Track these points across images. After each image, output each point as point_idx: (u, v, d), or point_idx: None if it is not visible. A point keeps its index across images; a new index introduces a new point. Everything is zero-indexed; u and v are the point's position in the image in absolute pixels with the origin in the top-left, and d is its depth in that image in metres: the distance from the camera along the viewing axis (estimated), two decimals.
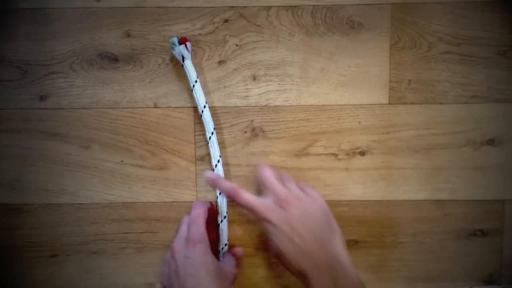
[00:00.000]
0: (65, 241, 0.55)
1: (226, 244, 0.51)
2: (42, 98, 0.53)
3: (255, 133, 0.54)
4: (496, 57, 0.52)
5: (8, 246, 0.55)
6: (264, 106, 0.53)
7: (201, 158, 0.54)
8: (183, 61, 0.51)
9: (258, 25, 0.52)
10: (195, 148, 0.54)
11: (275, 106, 0.53)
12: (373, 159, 0.53)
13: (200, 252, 0.46)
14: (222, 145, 0.53)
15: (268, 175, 0.48)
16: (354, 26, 0.52)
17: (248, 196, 0.46)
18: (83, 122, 0.54)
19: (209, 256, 0.46)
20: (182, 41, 0.51)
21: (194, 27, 0.53)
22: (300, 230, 0.44)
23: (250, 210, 0.45)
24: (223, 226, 0.51)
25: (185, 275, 0.45)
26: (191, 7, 0.52)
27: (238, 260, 0.52)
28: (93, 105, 0.54)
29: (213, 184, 0.50)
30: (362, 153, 0.53)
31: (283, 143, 0.54)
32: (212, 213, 0.51)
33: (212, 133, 0.51)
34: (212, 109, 0.53)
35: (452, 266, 0.54)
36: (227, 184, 0.48)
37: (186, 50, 0.51)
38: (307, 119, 0.53)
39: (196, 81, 0.51)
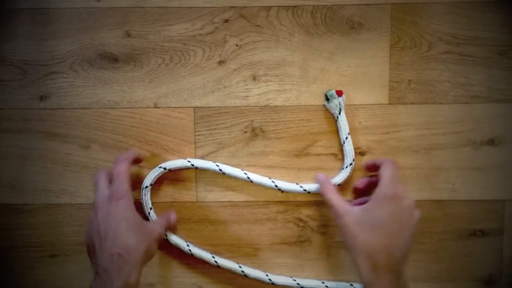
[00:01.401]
0: (65, 241, 0.55)
1: (151, 208, 0.53)
2: (42, 98, 0.53)
3: (255, 133, 0.54)
4: (496, 57, 0.52)
5: (8, 246, 0.55)
6: (264, 106, 0.53)
7: (201, 158, 0.54)
8: (339, 113, 0.51)
9: (258, 25, 0.52)
10: (195, 148, 0.54)
11: (275, 106, 0.53)
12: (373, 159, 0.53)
13: (123, 208, 0.46)
14: (222, 145, 0.54)
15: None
16: (354, 26, 0.52)
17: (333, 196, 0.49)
18: (83, 122, 0.54)
19: (132, 212, 0.46)
20: (339, 93, 0.51)
21: (194, 27, 0.53)
22: (400, 231, 0.45)
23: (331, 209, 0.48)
24: (145, 193, 0.52)
25: (106, 230, 0.45)
26: (191, 7, 0.52)
27: (170, 224, 0.52)
28: (93, 105, 0.54)
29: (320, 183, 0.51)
30: (362, 153, 0.53)
31: (283, 143, 0.54)
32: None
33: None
34: (212, 109, 0.53)
35: (452, 266, 0.54)
36: (324, 178, 0.51)
37: (343, 102, 0.51)
38: (307, 119, 0.53)
39: (348, 134, 0.52)
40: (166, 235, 0.53)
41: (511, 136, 0.53)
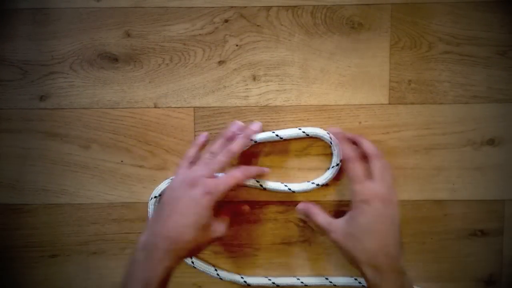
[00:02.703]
0: (65, 241, 0.55)
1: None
2: (42, 98, 0.53)
3: None
4: (496, 57, 0.52)
5: (8, 246, 0.55)
6: (264, 106, 0.53)
7: None
8: (251, 141, 0.51)
9: (258, 25, 0.52)
10: None
11: (275, 106, 0.53)
12: None
13: (205, 203, 0.45)
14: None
15: (356, 168, 0.47)
16: (354, 26, 0.52)
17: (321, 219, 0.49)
18: (83, 122, 0.54)
19: (208, 211, 0.45)
20: None
21: (194, 27, 0.53)
22: (388, 229, 0.45)
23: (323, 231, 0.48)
24: (153, 203, 0.53)
25: (176, 211, 0.45)
26: (191, 7, 0.52)
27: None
28: (93, 105, 0.54)
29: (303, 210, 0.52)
30: None
31: (283, 143, 0.53)
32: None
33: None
34: (212, 109, 0.53)
35: (452, 266, 0.54)
36: (305, 204, 0.52)
37: None
38: (307, 119, 0.53)
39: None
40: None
41: (511, 136, 0.53)
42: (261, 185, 0.52)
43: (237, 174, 0.48)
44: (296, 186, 0.52)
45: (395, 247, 0.45)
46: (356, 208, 0.46)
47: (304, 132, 0.52)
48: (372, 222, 0.45)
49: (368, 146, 0.49)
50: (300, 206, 0.52)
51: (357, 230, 0.45)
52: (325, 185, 0.53)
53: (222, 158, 0.48)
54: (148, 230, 0.46)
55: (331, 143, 0.52)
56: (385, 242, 0.45)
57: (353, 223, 0.46)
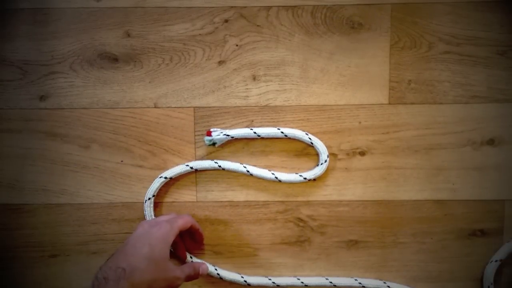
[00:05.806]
0: (65, 241, 0.55)
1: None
2: (42, 98, 0.53)
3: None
4: (496, 57, 0.52)
5: (8, 246, 0.55)
6: (264, 106, 0.53)
7: (201, 158, 0.54)
8: (228, 136, 0.52)
9: (258, 25, 0.52)
10: (195, 148, 0.54)
11: (275, 106, 0.53)
12: (373, 159, 0.53)
13: (159, 236, 0.46)
14: (221, 145, 0.53)
15: None
16: (354, 26, 0.52)
17: None
18: (83, 122, 0.54)
19: (162, 244, 0.46)
20: (208, 134, 0.52)
21: (194, 27, 0.53)
22: None
23: None
24: (148, 205, 0.53)
25: (131, 244, 0.45)
26: (191, 7, 0.52)
27: (195, 274, 0.49)
28: (93, 105, 0.54)
29: None
30: (362, 153, 0.53)
31: (283, 143, 0.54)
32: (195, 235, 0.53)
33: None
34: (212, 109, 0.53)
35: (452, 266, 0.54)
36: None
37: (218, 134, 0.52)
38: (307, 119, 0.53)
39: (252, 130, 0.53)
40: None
41: (511, 136, 0.53)
42: (247, 171, 0.52)
43: (188, 218, 0.50)
44: (283, 176, 0.53)
45: None
46: None
47: (282, 132, 0.52)
48: None
49: None
50: None
51: None
52: (313, 180, 0.53)
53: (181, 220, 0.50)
54: (101, 267, 0.44)
55: (311, 143, 0.52)
56: None
57: None
